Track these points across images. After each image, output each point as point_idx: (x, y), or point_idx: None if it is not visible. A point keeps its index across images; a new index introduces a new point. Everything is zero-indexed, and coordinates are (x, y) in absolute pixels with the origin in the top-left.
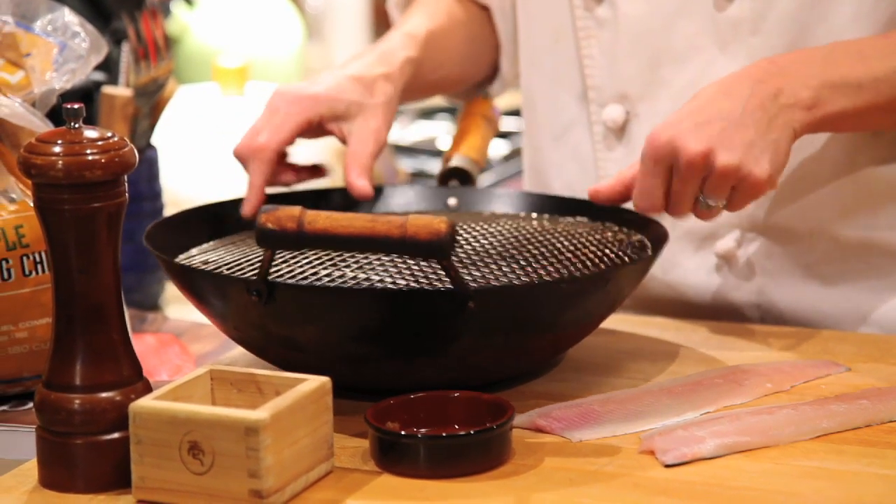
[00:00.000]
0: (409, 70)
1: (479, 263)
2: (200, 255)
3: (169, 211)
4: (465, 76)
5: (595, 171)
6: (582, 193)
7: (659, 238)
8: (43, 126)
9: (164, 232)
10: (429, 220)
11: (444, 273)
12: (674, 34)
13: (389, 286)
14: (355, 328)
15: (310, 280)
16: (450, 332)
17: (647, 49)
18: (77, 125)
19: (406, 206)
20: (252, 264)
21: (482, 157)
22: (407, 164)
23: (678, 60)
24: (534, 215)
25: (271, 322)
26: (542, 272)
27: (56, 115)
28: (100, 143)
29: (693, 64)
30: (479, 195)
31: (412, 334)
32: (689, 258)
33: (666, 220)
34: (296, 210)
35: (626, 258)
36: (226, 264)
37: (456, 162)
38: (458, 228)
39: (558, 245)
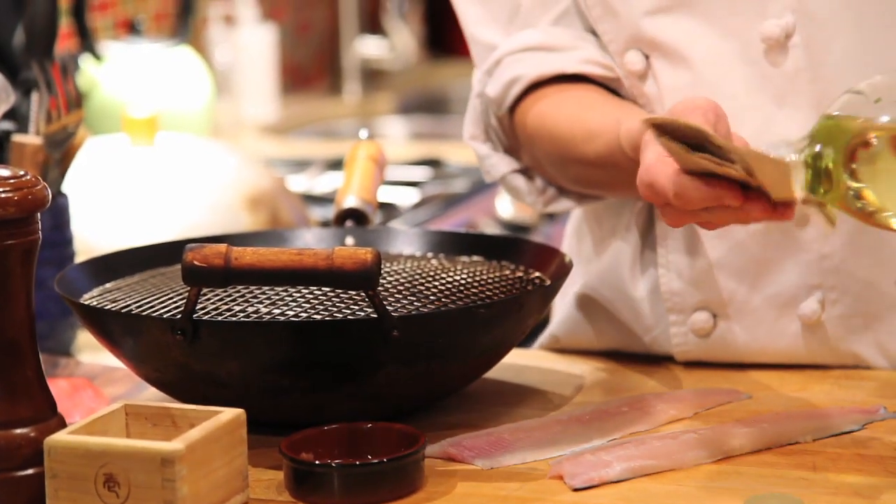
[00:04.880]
0: None
1: (390, 299)
2: (103, 296)
3: (81, 259)
4: None
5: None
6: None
7: (557, 274)
8: None
9: (78, 277)
10: (354, 251)
11: (358, 305)
12: (723, 98)
13: (315, 318)
14: (282, 362)
15: (225, 317)
16: (374, 360)
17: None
18: None
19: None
20: (163, 303)
21: (374, 199)
22: (317, 213)
23: (733, 123)
24: (430, 255)
25: (195, 361)
26: (452, 306)
27: None
28: (12, 181)
29: (750, 123)
30: (376, 234)
31: (337, 364)
32: (769, 329)
33: (742, 289)
34: (222, 247)
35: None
36: (135, 303)
37: (350, 203)
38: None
39: (462, 281)
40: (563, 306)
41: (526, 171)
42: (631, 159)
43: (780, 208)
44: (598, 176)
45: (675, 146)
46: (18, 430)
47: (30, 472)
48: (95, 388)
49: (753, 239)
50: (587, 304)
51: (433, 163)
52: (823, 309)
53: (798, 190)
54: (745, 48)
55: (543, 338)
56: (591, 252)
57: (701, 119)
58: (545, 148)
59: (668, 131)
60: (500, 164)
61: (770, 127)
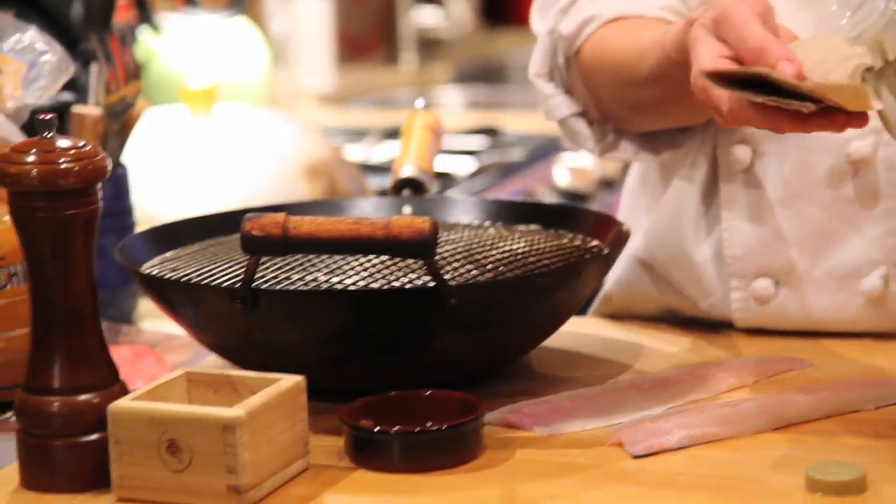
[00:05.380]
0: None
1: (447, 268)
2: (164, 264)
3: (141, 228)
4: None
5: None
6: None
7: (614, 243)
8: (20, 139)
9: (138, 246)
10: (411, 220)
11: (416, 274)
12: None
13: (372, 287)
14: (341, 330)
15: (284, 286)
16: (432, 328)
17: None
18: (50, 135)
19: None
20: (223, 272)
21: (431, 168)
22: (374, 182)
23: None
24: (487, 223)
25: (255, 329)
26: (509, 275)
27: (29, 131)
28: (72, 151)
29: None
30: (433, 203)
31: (395, 332)
32: (831, 300)
33: (804, 259)
34: (279, 216)
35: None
36: (195, 272)
37: (407, 172)
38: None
39: (519, 250)
40: (619, 267)
41: (586, 115)
42: (680, 65)
43: (855, 118)
44: (654, 96)
45: (737, 94)
46: (82, 397)
47: (94, 437)
48: (157, 354)
49: (819, 210)
50: (645, 266)
51: (490, 132)
52: (887, 285)
53: (875, 102)
54: (821, 18)
55: (598, 299)
56: (651, 214)
57: (748, 10)
58: (603, 76)
59: (727, 77)
60: (563, 106)
61: None
